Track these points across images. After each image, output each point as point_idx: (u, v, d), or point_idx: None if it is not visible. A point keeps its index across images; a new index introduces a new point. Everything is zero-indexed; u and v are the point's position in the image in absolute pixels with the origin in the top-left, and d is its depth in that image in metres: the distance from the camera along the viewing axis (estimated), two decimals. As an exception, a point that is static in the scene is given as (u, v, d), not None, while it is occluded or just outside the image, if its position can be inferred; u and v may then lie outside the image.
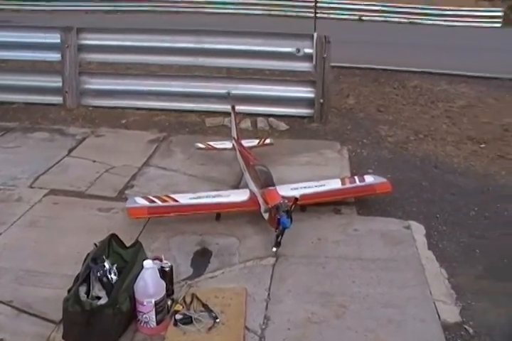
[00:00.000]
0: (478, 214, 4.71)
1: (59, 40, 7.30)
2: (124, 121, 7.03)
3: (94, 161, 5.63)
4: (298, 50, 6.89)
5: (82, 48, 7.43)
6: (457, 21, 26.53)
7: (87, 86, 7.54)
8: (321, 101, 6.90)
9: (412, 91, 9.06)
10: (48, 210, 4.51)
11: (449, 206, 4.83)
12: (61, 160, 5.67)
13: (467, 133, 7.02)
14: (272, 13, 26.46)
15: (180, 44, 7.29)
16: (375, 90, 8.99)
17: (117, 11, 27.25)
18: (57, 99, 7.50)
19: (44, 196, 4.76)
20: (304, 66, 7.02)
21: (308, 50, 6.88)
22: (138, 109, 7.37)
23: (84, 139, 6.34)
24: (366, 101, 8.29)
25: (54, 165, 5.51)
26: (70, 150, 5.95)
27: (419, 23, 26.23)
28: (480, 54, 14.50)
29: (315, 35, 6.78)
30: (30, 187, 4.98)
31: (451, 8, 28.95)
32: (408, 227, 4.34)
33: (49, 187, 4.95)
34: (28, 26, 8.27)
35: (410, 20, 26.65)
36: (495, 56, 14.12)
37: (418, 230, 4.33)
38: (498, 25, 26.80)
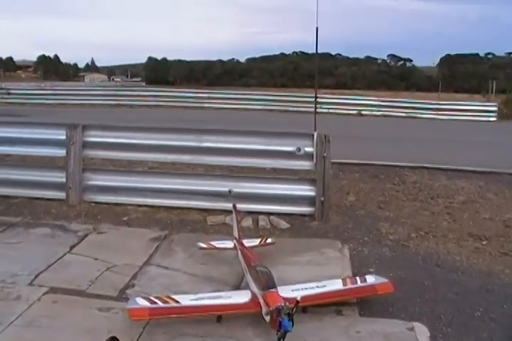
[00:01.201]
0: (483, 315, 4.61)
1: (64, 137, 7.48)
2: (125, 218, 7.07)
3: (95, 259, 5.59)
4: (298, 149, 7.03)
5: (86, 145, 7.60)
6: (454, 115, 27.18)
7: (90, 182, 7.65)
8: (322, 199, 6.97)
9: (411, 187, 9.15)
10: (47, 309, 4.43)
11: (453, 306, 4.74)
12: (62, 257, 5.64)
13: (468, 230, 7.01)
14: (273, 108, 27.15)
15: (182, 142, 7.45)
16: (375, 186, 9.09)
17: (121, 105, 28.12)
18: (60, 195, 7.59)
19: (44, 294, 4.69)
20: (304, 164, 7.15)
21: (308, 149, 7.03)
22: (140, 205, 7.43)
23: (86, 236, 6.34)
24: (366, 198, 8.35)
25: (55, 262, 5.47)
26: (72, 247, 5.92)
27: (417, 117, 26.86)
28: (477, 148, 14.78)
29: (315, 134, 6.95)
30: (30, 284, 4.92)
31: (448, 102, 29.84)
32: (412, 329, 4.25)
33: (49, 285, 4.89)
34: (34, 123, 8.46)
35: (408, 114, 27.29)
36: (492, 150, 14.40)
37: (422, 332, 4.22)
38: (493, 119, 27.45)
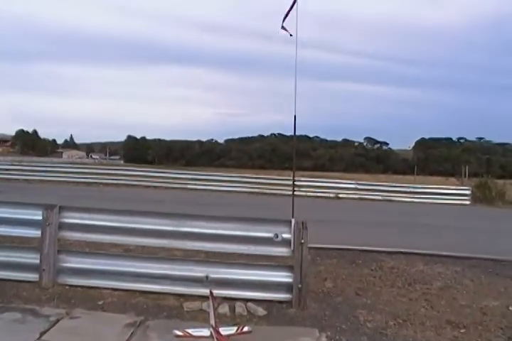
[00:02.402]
0: None
1: (40, 217, 7.42)
2: (100, 302, 6.92)
3: (66, 347, 5.45)
4: (276, 236, 7.07)
5: (62, 226, 7.53)
6: (429, 198, 27.66)
7: (64, 264, 7.51)
8: (299, 286, 6.92)
9: (389, 273, 9.11)
10: None
11: None
12: (31, 345, 5.42)
13: (446, 317, 6.96)
14: (252, 190, 27.34)
15: (160, 226, 7.43)
16: (352, 272, 9.03)
17: (99, 183, 28.21)
18: (32, 277, 7.41)
19: None
20: (282, 251, 7.16)
21: (286, 236, 7.06)
22: (115, 289, 7.28)
23: (57, 321, 6.15)
24: (344, 284, 8.28)
25: (22, 352, 5.27)
26: (42, 334, 5.74)
27: (393, 200, 27.18)
28: (452, 232, 14.98)
29: (293, 221, 7.01)
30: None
31: (423, 185, 30.45)
32: None
33: (15, 377, 4.72)
34: (10, 202, 8.38)
35: (384, 197, 27.63)
36: (466, 234, 14.59)
37: None
38: (467, 202, 27.90)
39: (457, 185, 35.87)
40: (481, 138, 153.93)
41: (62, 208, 7.56)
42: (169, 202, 19.14)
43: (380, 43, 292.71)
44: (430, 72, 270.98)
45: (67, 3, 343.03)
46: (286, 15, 8.38)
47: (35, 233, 7.51)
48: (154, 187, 27.84)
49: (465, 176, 44.66)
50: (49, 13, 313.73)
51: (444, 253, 10.78)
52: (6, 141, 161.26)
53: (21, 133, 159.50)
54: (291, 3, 8.29)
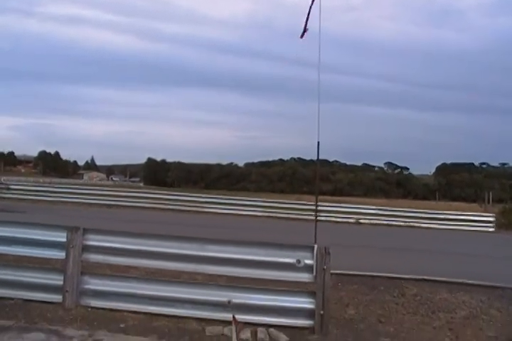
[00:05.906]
0: None
1: (64, 239, 7.51)
2: (122, 325, 6.91)
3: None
4: (298, 261, 7.04)
5: (86, 248, 7.60)
6: (452, 225, 27.35)
7: (87, 286, 7.57)
8: (321, 312, 6.88)
9: (412, 300, 8.93)
10: None
11: None
12: (54, 367, 5.47)
13: (472, 348, 6.81)
14: (272, 215, 27.28)
15: (183, 250, 7.44)
16: (374, 298, 8.90)
17: (119, 205, 28.46)
18: (56, 298, 7.48)
19: None
20: (304, 277, 7.11)
21: (308, 261, 7.03)
22: (137, 312, 7.29)
23: (81, 343, 6.15)
24: (366, 311, 8.18)
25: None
26: (65, 356, 5.76)
27: (415, 226, 26.96)
28: (477, 260, 14.74)
29: (315, 246, 6.98)
30: None
31: (446, 211, 30.13)
32: None
33: None
34: (35, 224, 8.43)
35: (406, 223, 27.40)
36: (491, 262, 14.36)
37: None
38: (492, 229, 27.57)
39: (480, 211, 35.54)
40: (504, 164, 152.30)
41: (86, 230, 7.63)
42: (191, 226, 19.14)
43: (401, 67, 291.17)
44: (452, 95, 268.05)
45: (93, 26, 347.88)
46: (308, 15, 8.46)
47: (60, 254, 7.60)
48: (174, 210, 27.86)
49: (488, 202, 44.31)
50: (73, 34, 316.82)
51: (469, 281, 10.49)
52: (28, 162, 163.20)
53: (43, 154, 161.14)
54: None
